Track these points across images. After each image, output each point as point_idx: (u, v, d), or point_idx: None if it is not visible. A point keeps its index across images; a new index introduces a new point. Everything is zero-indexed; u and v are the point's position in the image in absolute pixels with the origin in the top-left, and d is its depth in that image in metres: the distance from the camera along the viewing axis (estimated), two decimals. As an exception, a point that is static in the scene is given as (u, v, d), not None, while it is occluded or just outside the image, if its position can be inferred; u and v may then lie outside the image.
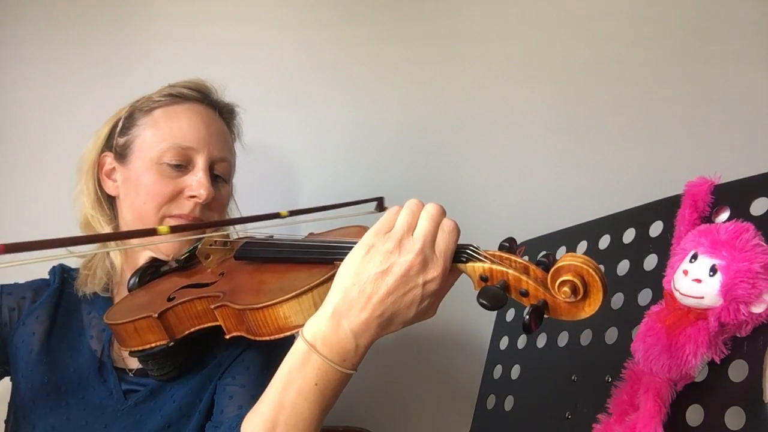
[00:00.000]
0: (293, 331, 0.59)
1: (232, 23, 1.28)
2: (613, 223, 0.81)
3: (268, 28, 1.29)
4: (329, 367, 0.55)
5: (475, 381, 0.94)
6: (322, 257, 0.63)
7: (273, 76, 1.28)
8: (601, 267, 0.51)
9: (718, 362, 0.56)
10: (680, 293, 0.58)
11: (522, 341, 0.90)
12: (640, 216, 0.77)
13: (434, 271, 0.54)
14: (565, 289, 0.50)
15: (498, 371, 0.91)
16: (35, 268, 0.76)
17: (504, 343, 0.93)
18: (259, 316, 0.60)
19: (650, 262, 0.72)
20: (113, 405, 0.76)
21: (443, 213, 0.57)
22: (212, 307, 0.66)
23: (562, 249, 0.90)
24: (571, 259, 0.50)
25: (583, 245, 0.86)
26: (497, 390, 0.89)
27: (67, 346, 0.80)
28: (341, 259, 0.58)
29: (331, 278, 0.58)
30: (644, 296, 0.71)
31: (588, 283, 0.50)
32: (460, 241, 0.58)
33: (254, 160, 1.21)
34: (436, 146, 1.27)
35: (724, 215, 0.63)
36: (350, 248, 0.57)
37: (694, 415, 0.57)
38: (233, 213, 0.97)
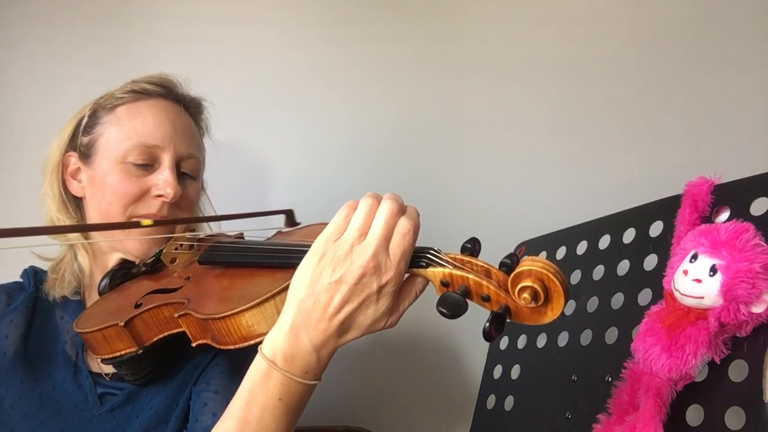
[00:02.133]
0: (257, 339, 0.58)
1: (232, 23, 1.28)
2: (613, 223, 0.81)
3: (268, 28, 1.29)
4: (292, 382, 0.54)
5: (475, 381, 0.94)
6: (283, 262, 0.62)
7: (273, 76, 1.28)
8: (561, 270, 0.49)
9: (718, 362, 0.56)
10: (680, 293, 0.58)
11: (522, 341, 0.90)
12: (640, 216, 0.77)
13: (387, 275, 0.52)
14: (525, 295, 0.49)
15: (498, 371, 0.91)
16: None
17: (504, 343, 0.93)
18: (221, 325, 0.59)
19: (650, 262, 0.72)
20: (89, 410, 0.74)
21: (400, 211, 0.54)
22: (176, 315, 0.65)
23: (562, 249, 0.90)
24: (530, 264, 0.49)
25: (583, 245, 0.86)
26: (497, 390, 0.89)
27: (43, 351, 0.78)
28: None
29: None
30: (644, 296, 0.71)
31: (549, 288, 0.49)
32: (425, 243, 0.55)
33: (254, 160, 1.21)
34: (435, 146, 1.27)
35: (724, 215, 0.63)
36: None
37: (694, 415, 0.57)
38: (206, 210, 0.95)
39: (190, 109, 0.86)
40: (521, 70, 1.28)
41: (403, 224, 0.53)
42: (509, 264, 0.51)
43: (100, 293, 0.78)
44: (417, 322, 1.22)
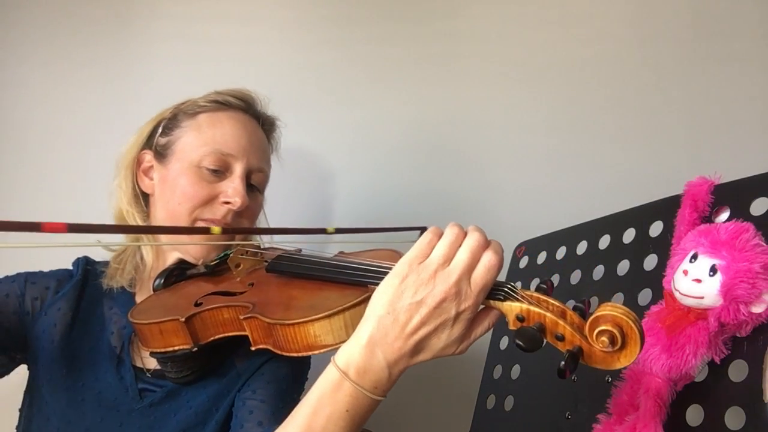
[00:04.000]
0: (321, 351, 0.60)
1: (232, 23, 1.28)
2: (613, 223, 0.81)
3: (268, 28, 1.29)
4: (361, 395, 0.55)
5: (475, 381, 0.94)
6: (355, 279, 0.63)
7: (272, 76, 1.28)
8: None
9: (718, 362, 0.56)
10: (680, 293, 0.58)
11: (522, 341, 0.89)
12: (640, 216, 0.77)
13: (466, 303, 0.54)
14: (603, 338, 0.50)
15: (498, 371, 0.91)
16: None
17: (504, 343, 0.93)
18: (289, 332, 0.60)
19: (650, 262, 0.72)
20: (128, 403, 0.75)
21: (485, 245, 0.56)
22: (242, 317, 0.66)
23: (562, 249, 0.90)
24: (611, 310, 0.50)
25: (583, 245, 0.86)
26: (497, 390, 0.89)
27: (87, 340, 0.79)
28: (375, 283, 0.58)
29: (364, 301, 0.58)
30: (644, 296, 0.71)
31: (626, 334, 0.49)
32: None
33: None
34: (436, 146, 1.27)
35: (724, 215, 0.63)
36: (384, 273, 0.57)
37: (694, 415, 0.57)
38: (262, 224, 0.97)
39: (265, 125, 0.92)
40: (521, 70, 1.28)
41: (489, 257, 0.55)
42: (582, 308, 0.53)
43: (154, 289, 0.79)
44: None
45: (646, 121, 1.25)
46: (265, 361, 0.78)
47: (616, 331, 0.49)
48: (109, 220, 0.87)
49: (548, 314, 0.53)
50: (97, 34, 1.27)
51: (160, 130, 0.85)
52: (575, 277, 0.84)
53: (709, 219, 0.65)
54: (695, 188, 0.66)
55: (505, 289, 0.56)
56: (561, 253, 0.90)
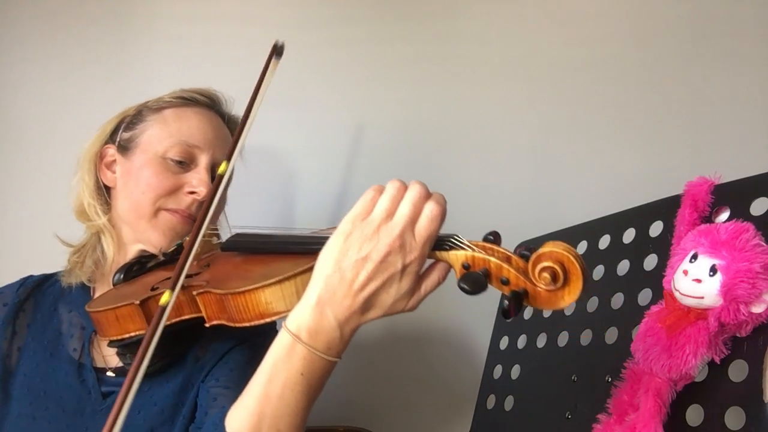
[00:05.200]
0: (274, 318, 0.59)
1: (232, 23, 1.28)
2: (613, 223, 0.81)
3: (268, 28, 1.29)
4: (315, 357, 0.55)
5: (475, 381, 0.94)
6: (310, 248, 0.63)
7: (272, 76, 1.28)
8: (583, 258, 0.51)
9: (718, 362, 0.56)
10: (680, 293, 0.58)
11: (522, 341, 0.90)
12: (640, 216, 0.77)
13: (412, 255, 0.54)
14: (545, 275, 0.50)
15: (498, 371, 0.91)
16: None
17: (504, 343, 0.93)
18: (240, 301, 0.60)
19: (650, 262, 0.72)
20: (92, 405, 0.75)
21: (426, 196, 0.56)
22: (195, 293, 0.65)
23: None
24: (552, 247, 0.51)
25: (583, 245, 0.86)
26: (497, 390, 0.89)
27: (47, 349, 0.79)
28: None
29: (313, 267, 0.58)
30: (644, 296, 0.71)
31: (568, 270, 0.50)
32: (446, 231, 0.57)
33: (253, 160, 1.21)
34: (435, 146, 1.27)
35: (724, 215, 0.63)
36: None
37: (694, 415, 0.57)
38: (221, 225, 0.97)
39: (230, 125, 0.92)
40: (521, 70, 1.28)
41: (431, 208, 0.54)
42: (528, 255, 0.53)
43: (114, 284, 0.79)
44: (417, 322, 1.22)
45: (646, 121, 1.25)
46: (228, 350, 0.78)
47: (557, 267, 0.50)
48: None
49: (493, 259, 0.54)
50: (97, 34, 1.27)
51: (123, 126, 0.86)
52: (575, 277, 0.84)
53: (709, 219, 0.65)
54: (695, 188, 0.66)
55: (451, 240, 0.56)
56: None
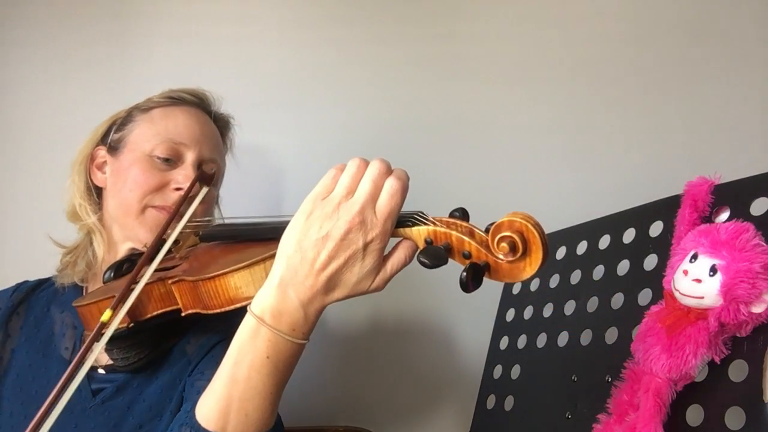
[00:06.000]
0: (245, 303, 0.59)
1: (232, 23, 1.28)
2: (613, 223, 0.81)
3: (268, 29, 1.29)
4: (280, 339, 0.54)
5: (475, 381, 0.94)
6: (277, 234, 0.63)
7: (272, 76, 1.28)
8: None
9: (718, 362, 0.56)
10: (680, 293, 0.58)
11: (522, 341, 0.90)
12: (640, 216, 0.77)
13: (374, 232, 0.53)
14: (504, 245, 0.49)
15: (498, 371, 0.91)
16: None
17: (504, 343, 0.93)
18: (210, 286, 0.60)
19: (650, 262, 0.72)
20: (82, 403, 0.75)
21: (387, 172, 0.55)
22: (170, 282, 0.66)
23: (562, 249, 0.90)
24: (511, 216, 0.50)
25: (583, 245, 0.86)
26: (497, 390, 0.89)
27: (38, 352, 0.80)
28: None
29: None
30: (644, 296, 0.71)
31: (527, 239, 0.49)
32: (411, 208, 0.57)
33: (253, 161, 1.21)
34: (435, 146, 1.27)
35: (724, 215, 0.63)
36: None
37: (694, 415, 0.57)
38: (214, 222, 0.97)
39: (218, 123, 0.94)
40: (521, 71, 1.28)
41: (392, 184, 0.54)
42: (491, 227, 0.52)
43: (105, 282, 0.79)
44: (417, 322, 1.22)
45: (646, 121, 1.25)
46: (214, 345, 0.78)
47: (516, 237, 0.49)
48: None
49: (454, 233, 0.53)
50: (97, 35, 1.27)
51: (114, 127, 0.87)
52: (575, 277, 0.84)
53: (709, 219, 0.65)
54: (695, 188, 0.66)
55: (414, 217, 0.56)
56: (561, 253, 0.90)
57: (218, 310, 0.61)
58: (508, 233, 0.50)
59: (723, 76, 1.24)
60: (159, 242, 0.76)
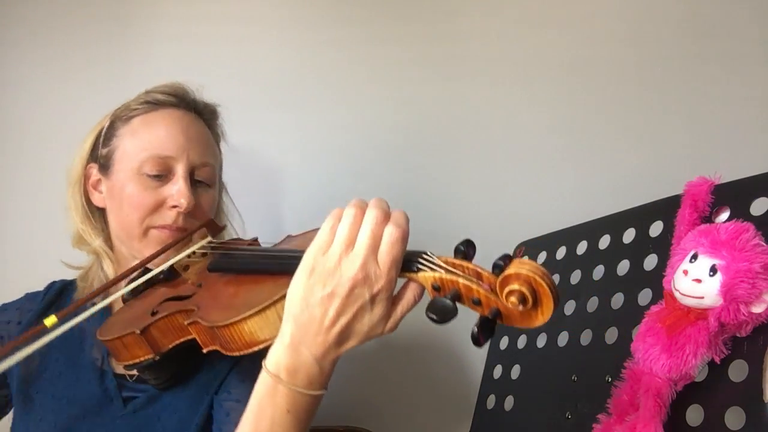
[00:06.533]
0: (263, 345, 0.59)
1: (232, 23, 1.28)
2: (613, 223, 0.81)
3: (268, 29, 1.29)
4: (298, 394, 0.55)
5: (475, 381, 0.94)
6: (284, 268, 0.62)
7: (272, 77, 1.28)
8: (554, 277, 0.49)
9: (718, 362, 0.56)
10: (680, 293, 0.58)
11: (522, 341, 0.90)
12: (640, 216, 0.77)
13: (379, 284, 0.52)
14: (513, 299, 0.48)
15: (498, 371, 0.91)
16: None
17: (504, 343, 0.93)
18: (226, 333, 0.60)
19: (650, 262, 0.72)
20: (113, 412, 0.75)
21: (386, 219, 0.53)
22: (186, 323, 0.66)
23: (562, 249, 0.90)
24: (517, 267, 0.48)
25: (583, 245, 0.86)
26: (497, 390, 0.89)
27: (69, 356, 0.80)
28: None
29: None
30: (644, 296, 0.71)
31: (537, 291, 0.48)
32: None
33: (253, 161, 1.21)
34: (435, 146, 1.27)
35: (724, 215, 0.63)
36: None
37: (694, 415, 0.57)
38: (230, 213, 0.97)
39: (203, 116, 0.88)
40: (521, 71, 1.28)
41: (391, 232, 0.52)
42: (501, 266, 0.50)
43: (124, 301, 0.79)
44: (417, 322, 1.22)
45: (646, 121, 1.25)
46: (239, 358, 0.78)
47: (525, 290, 0.48)
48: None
49: (461, 280, 0.51)
50: (97, 35, 1.27)
51: (101, 141, 0.84)
52: (575, 277, 0.84)
53: (709, 219, 0.65)
54: (695, 188, 0.66)
55: (420, 260, 0.54)
56: (561, 253, 0.90)
57: (237, 353, 0.61)
58: (516, 287, 0.48)
59: (723, 76, 1.24)
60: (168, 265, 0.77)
